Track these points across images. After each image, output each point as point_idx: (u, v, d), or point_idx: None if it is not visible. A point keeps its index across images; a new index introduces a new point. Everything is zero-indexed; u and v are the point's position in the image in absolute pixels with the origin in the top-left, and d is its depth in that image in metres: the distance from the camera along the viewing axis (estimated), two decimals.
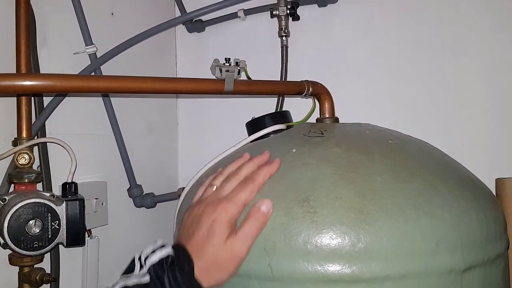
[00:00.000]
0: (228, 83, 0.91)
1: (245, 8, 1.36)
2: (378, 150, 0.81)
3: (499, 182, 1.09)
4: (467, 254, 0.73)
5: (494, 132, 1.17)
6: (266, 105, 1.19)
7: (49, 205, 0.90)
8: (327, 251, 0.69)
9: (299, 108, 1.10)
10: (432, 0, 1.22)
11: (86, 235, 1.06)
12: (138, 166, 1.28)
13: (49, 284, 0.98)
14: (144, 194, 1.28)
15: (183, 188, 1.07)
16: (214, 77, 0.93)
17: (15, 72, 0.97)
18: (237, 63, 0.93)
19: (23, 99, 0.98)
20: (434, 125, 1.21)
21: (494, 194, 1.05)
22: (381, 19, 1.27)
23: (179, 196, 1.10)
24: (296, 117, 1.07)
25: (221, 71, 0.91)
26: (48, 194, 0.94)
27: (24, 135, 0.98)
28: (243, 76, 0.96)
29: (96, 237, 1.11)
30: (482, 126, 1.18)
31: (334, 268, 0.69)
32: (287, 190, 0.75)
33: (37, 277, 0.95)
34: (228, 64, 0.92)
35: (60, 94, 1.05)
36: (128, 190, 1.27)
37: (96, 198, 1.13)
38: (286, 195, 0.75)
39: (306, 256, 0.69)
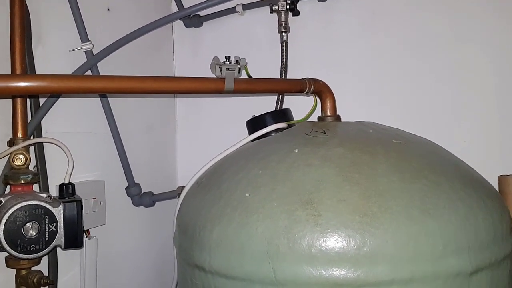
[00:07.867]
0: (229, 82, 0.89)
1: (243, 3, 1.34)
2: (382, 150, 0.80)
3: (502, 179, 1.07)
4: (474, 257, 0.72)
5: (496, 128, 1.16)
6: (266, 102, 1.17)
7: (46, 207, 0.88)
8: (332, 255, 0.68)
9: (298, 105, 1.08)
10: None
11: (84, 235, 1.04)
12: (136, 164, 1.26)
13: (46, 287, 0.96)
14: (142, 193, 1.27)
15: (182, 186, 1.05)
16: (213, 75, 0.91)
17: (9, 70, 0.95)
18: (237, 61, 0.90)
19: (18, 98, 0.95)
20: (436, 122, 1.20)
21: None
22: (382, 13, 1.25)
23: (178, 195, 1.09)
24: (297, 115, 1.05)
25: (221, 69, 0.88)
26: (45, 196, 0.92)
27: (19, 135, 0.95)
28: (243, 74, 0.94)
29: (94, 237, 1.09)
30: (485, 123, 1.17)
31: (339, 272, 0.67)
32: (289, 192, 0.74)
33: (35, 280, 0.93)
34: (228, 63, 0.89)
35: (56, 94, 1.03)
36: (126, 189, 1.25)
37: (94, 198, 1.11)
38: (288, 197, 0.73)
39: (310, 260, 0.68)
